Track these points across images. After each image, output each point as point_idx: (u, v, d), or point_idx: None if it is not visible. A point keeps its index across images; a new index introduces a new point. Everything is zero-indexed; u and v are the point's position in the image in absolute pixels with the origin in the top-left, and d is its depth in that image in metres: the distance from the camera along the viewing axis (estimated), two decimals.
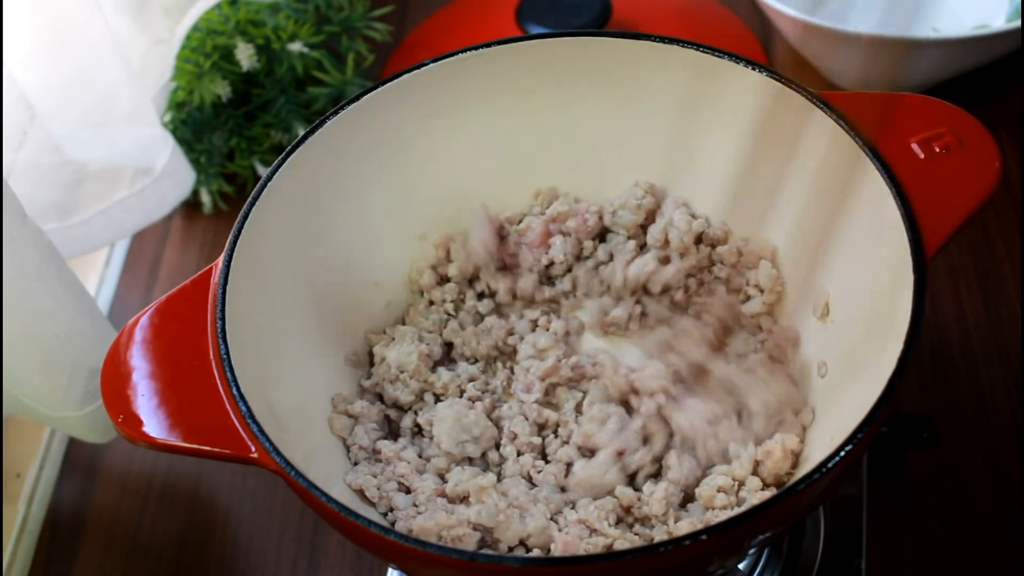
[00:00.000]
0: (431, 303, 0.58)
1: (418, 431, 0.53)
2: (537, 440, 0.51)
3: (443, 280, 0.58)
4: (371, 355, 0.56)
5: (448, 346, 0.57)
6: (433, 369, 0.55)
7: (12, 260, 0.51)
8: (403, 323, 0.58)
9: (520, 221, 0.58)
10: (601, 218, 0.57)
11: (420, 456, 0.51)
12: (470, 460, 0.51)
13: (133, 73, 0.66)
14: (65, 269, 0.56)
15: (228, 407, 0.43)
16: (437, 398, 0.54)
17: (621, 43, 0.53)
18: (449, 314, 0.58)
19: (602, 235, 0.58)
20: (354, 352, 0.55)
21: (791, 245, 0.53)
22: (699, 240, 0.56)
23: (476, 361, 0.56)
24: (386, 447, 0.51)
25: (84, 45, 0.63)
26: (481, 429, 0.51)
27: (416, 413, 0.53)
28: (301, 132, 0.51)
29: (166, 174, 0.70)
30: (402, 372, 0.54)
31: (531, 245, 0.57)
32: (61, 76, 0.64)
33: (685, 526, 0.46)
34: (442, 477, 0.50)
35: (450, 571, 0.40)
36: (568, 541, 0.46)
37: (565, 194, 0.58)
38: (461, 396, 0.53)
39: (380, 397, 0.54)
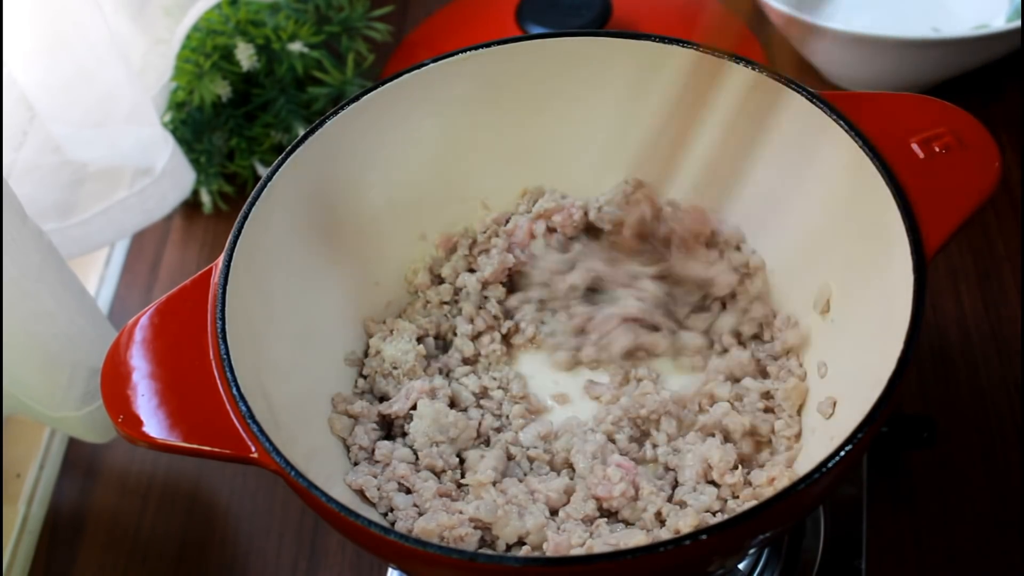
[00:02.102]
0: (427, 303, 0.58)
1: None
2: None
3: (438, 280, 0.58)
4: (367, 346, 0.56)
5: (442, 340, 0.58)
6: (427, 367, 0.55)
7: (12, 260, 0.51)
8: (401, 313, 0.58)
9: (507, 221, 0.58)
10: (586, 214, 0.57)
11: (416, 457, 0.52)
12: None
13: (133, 73, 0.66)
14: (65, 269, 0.56)
15: (228, 407, 0.43)
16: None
17: (621, 43, 0.53)
18: (446, 315, 0.58)
19: (588, 231, 0.59)
20: (353, 352, 0.55)
21: (791, 245, 0.53)
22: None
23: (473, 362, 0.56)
24: (383, 447, 0.51)
25: (84, 45, 0.63)
26: (459, 431, 0.51)
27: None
28: (301, 132, 0.51)
29: (166, 174, 0.70)
30: (395, 368, 0.54)
31: (519, 244, 0.57)
32: (61, 76, 0.64)
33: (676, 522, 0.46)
34: (434, 472, 0.51)
35: (450, 571, 0.40)
36: (559, 542, 0.46)
37: (552, 190, 0.58)
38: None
39: (379, 398, 0.54)
